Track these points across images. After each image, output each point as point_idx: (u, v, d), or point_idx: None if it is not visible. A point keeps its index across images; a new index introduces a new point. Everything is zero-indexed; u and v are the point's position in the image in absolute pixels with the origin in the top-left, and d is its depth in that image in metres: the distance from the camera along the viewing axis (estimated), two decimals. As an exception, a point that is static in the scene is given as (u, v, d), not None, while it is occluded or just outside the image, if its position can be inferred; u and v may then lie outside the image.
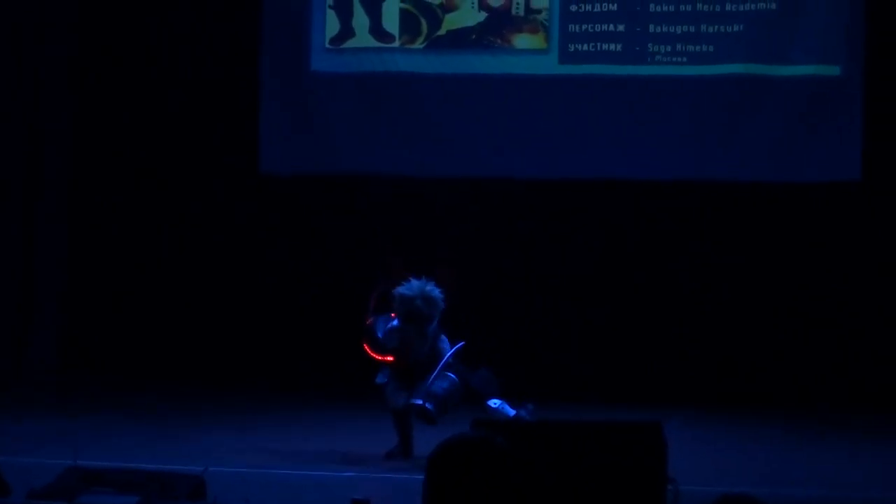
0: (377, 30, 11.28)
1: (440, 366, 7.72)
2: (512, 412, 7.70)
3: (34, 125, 11.42)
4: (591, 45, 10.95)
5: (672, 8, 10.84)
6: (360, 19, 11.28)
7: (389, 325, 7.90)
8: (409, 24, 11.24)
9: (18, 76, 11.34)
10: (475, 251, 11.16)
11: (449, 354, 7.79)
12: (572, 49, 11.00)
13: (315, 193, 11.49)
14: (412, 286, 7.84)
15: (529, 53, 11.09)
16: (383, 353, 7.91)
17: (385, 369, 7.92)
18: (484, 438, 2.98)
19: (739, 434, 9.47)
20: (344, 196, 11.38)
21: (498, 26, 11.14)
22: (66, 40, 11.54)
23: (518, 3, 11.10)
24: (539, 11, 11.07)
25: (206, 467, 5.98)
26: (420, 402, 7.62)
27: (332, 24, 11.33)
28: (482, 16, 11.16)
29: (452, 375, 7.75)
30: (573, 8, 10.98)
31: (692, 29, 10.81)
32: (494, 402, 7.73)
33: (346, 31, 11.31)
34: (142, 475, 5.63)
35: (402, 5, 11.25)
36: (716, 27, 10.79)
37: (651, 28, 10.87)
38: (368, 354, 7.97)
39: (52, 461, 6.31)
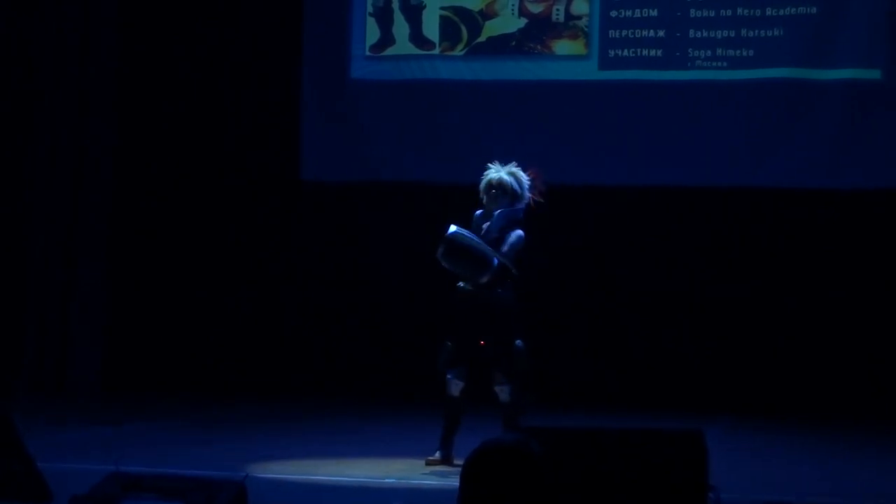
0: (417, 37, 11.30)
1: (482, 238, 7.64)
2: (507, 397, 7.67)
3: (79, 146, 11.49)
4: (632, 50, 10.93)
5: (712, 13, 10.81)
6: (401, 27, 11.31)
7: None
8: (449, 31, 11.25)
9: (62, 95, 11.43)
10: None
11: (505, 259, 7.67)
12: (612, 55, 10.98)
13: (356, 201, 11.52)
14: (497, 167, 7.85)
15: (569, 59, 11.08)
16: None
17: (444, 356, 7.83)
18: (520, 444, 2.97)
19: (781, 442, 9.41)
20: (384, 203, 11.41)
21: (538, 33, 11.13)
22: (108, 57, 11.60)
23: (558, 10, 11.09)
24: (579, 17, 11.06)
25: (246, 474, 6.00)
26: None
27: (373, 32, 11.36)
28: (522, 22, 11.16)
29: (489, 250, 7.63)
30: (613, 14, 10.96)
31: (732, 34, 10.77)
32: (501, 387, 7.68)
33: (387, 39, 11.34)
34: (183, 481, 5.64)
35: (443, 12, 11.27)
36: (756, 31, 10.74)
37: (691, 33, 10.84)
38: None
39: (94, 467, 6.34)
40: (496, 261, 7.66)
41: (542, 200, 7.93)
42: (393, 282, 11.30)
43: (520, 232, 7.80)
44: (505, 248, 7.73)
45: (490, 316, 7.68)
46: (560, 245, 11.15)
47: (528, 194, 7.86)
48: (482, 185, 7.89)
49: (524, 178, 7.86)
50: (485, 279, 7.68)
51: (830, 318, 10.80)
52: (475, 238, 7.70)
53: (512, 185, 7.81)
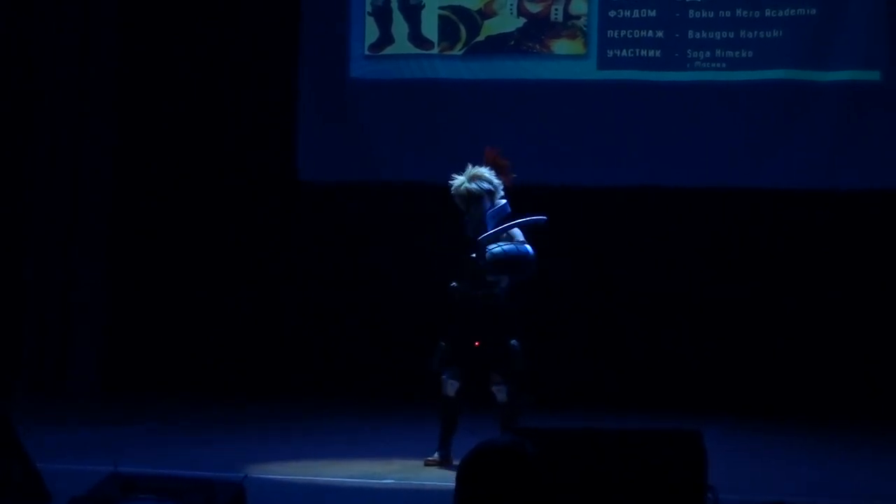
0: (416, 36, 11.30)
1: (503, 226, 7.66)
2: (504, 397, 7.69)
3: (79, 146, 11.49)
4: (630, 50, 10.93)
5: (711, 14, 10.80)
6: (400, 26, 11.30)
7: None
8: (448, 30, 11.25)
9: (62, 95, 11.43)
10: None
11: (524, 221, 7.70)
12: (611, 55, 10.98)
13: (355, 201, 11.52)
14: (459, 178, 7.87)
15: (568, 59, 11.08)
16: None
17: (438, 356, 7.84)
18: (514, 445, 2.98)
19: (779, 443, 9.42)
20: (383, 203, 11.40)
21: (536, 32, 11.13)
22: (108, 57, 11.60)
23: (557, 9, 11.09)
24: (578, 17, 11.06)
25: (245, 475, 6.01)
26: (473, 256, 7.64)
27: (372, 32, 11.36)
28: (521, 22, 11.16)
29: (519, 244, 7.66)
30: (612, 14, 10.96)
31: (731, 35, 10.77)
32: (498, 387, 7.70)
33: (386, 39, 11.34)
34: (182, 482, 5.66)
35: (441, 12, 11.27)
36: (755, 33, 10.73)
37: (690, 34, 10.84)
38: None
39: (93, 468, 6.35)
40: (531, 250, 7.71)
41: (514, 175, 7.94)
42: (392, 282, 11.30)
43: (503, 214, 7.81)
44: (516, 233, 7.76)
45: (486, 316, 7.69)
46: (558, 245, 11.14)
47: (497, 181, 7.86)
48: (456, 200, 7.89)
49: (485, 172, 7.85)
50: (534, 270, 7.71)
51: (829, 319, 10.80)
52: (500, 241, 7.71)
53: (480, 188, 7.81)
